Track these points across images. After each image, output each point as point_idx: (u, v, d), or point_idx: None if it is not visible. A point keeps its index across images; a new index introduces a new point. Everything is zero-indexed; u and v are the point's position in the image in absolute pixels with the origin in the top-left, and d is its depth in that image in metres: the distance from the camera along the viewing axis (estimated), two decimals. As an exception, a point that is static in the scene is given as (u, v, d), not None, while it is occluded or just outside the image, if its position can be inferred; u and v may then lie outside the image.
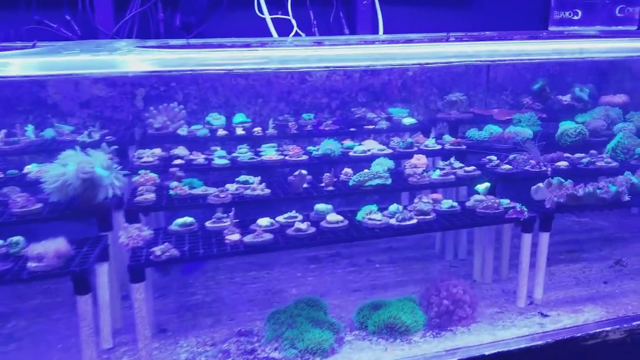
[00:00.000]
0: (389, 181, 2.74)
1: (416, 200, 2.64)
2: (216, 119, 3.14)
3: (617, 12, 4.01)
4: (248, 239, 2.12)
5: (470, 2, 4.13)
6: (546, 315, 2.56)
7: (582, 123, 3.34)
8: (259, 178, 2.51)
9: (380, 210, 2.56)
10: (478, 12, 4.13)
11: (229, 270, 2.85)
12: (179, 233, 2.22)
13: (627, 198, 2.64)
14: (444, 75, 4.02)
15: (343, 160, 3.05)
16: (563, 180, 2.69)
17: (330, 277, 2.90)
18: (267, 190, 2.49)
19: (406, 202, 3.41)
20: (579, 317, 2.56)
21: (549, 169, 2.93)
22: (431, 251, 3.29)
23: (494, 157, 3.12)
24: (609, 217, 3.63)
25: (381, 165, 2.87)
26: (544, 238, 2.58)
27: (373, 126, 3.49)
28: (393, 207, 2.53)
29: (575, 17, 4.11)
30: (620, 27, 3.95)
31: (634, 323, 2.53)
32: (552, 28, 4.06)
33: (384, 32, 3.94)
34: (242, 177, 2.52)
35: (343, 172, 2.88)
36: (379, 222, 2.41)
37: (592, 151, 3.13)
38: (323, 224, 2.33)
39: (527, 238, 2.55)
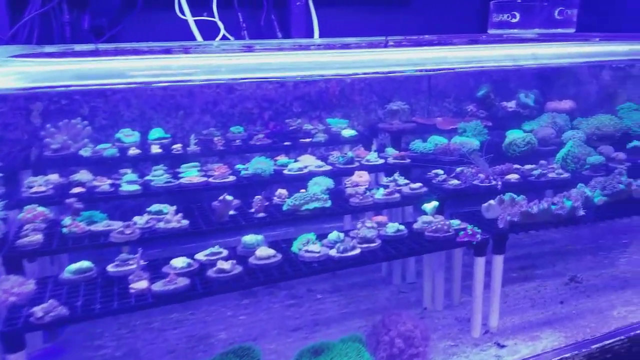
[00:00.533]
0: (329, 203, 2.44)
1: (359, 224, 2.34)
2: (128, 136, 2.73)
3: (556, 14, 3.88)
4: (158, 286, 1.75)
5: (408, 4, 3.91)
6: (503, 346, 2.33)
7: (530, 131, 3.17)
8: (174, 207, 2.13)
9: (320, 237, 2.24)
10: (416, 14, 3.91)
11: (146, 313, 2.45)
12: (73, 282, 1.82)
13: (582, 213, 2.45)
14: (384, 82, 3.77)
15: (276, 180, 2.72)
16: (515, 196, 2.47)
17: (266, 314, 2.55)
18: (185, 222, 2.12)
19: (349, 223, 3.12)
20: (536, 345, 2.35)
21: (499, 183, 2.71)
22: (378, 275, 3.00)
23: (440, 171, 2.88)
24: (560, 229, 3.47)
25: (319, 185, 2.56)
26: (498, 261, 2.34)
27: (310, 139, 3.18)
28: (333, 235, 2.22)
29: (514, 20, 3.94)
30: (559, 30, 3.82)
31: (593, 347, 2.35)
32: (491, 31, 3.89)
33: (320, 36, 3.65)
34: (155, 207, 2.14)
35: (277, 193, 2.55)
36: (317, 255, 2.09)
37: (542, 161, 2.95)
38: (252, 260, 1.99)
39: (480, 262, 2.31)
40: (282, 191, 2.57)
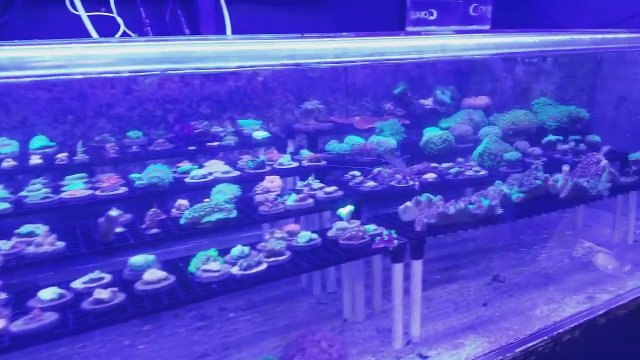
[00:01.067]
0: (234, 213, 2.21)
1: (267, 235, 2.13)
2: (4, 146, 2.38)
3: (470, 11, 3.84)
4: (17, 325, 1.46)
5: (325, 2, 3.74)
6: (426, 357, 2.19)
7: (446, 129, 3.08)
8: (47, 228, 1.83)
9: (223, 253, 2.01)
10: (333, 13, 3.74)
11: (26, 351, 2.11)
12: None
13: (500, 211, 2.36)
14: (298, 80, 3.58)
15: (177, 190, 2.46)
16: (432, 196, 2.34)
17: (170, 341, 2.29)
18: (60, 244, 1.82)
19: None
20: (460, 353, 2.23)
21: (417, 183, 2.58)
22: (297, 286, 2.80)
23: (357, 173, 2.72)
24: (481, 226, 3.43)
25: (223, 194, 2.33)
26: (417, 267, 2.20)
27: (218, 142, 2.94)
28: (236, 250, 1.99)
29: (431, 17, 3.88)
30: (475, 27, 3.80)
31: (517, 350, 2.26)
32: (409, 28, 3.81)
33: (233, 33, 3.41)
34: (25, 228, 1.83)
35: (176, 205, 2.30)
36: (217, 274, 1.86)
37: (460, 159, 2.86)
38: (138, 285, 1.73)
39: (398, 269, 2.16)
40: (182, 202, 2.32)
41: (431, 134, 2.94)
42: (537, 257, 3.08)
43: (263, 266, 1.92)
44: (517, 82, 3.43)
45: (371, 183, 2.57)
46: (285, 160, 2.74)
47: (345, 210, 2.31)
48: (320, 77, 3.61)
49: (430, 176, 2.65)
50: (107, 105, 2.94)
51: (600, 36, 2.42)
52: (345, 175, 2.74)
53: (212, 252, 2.01)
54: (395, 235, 2.14)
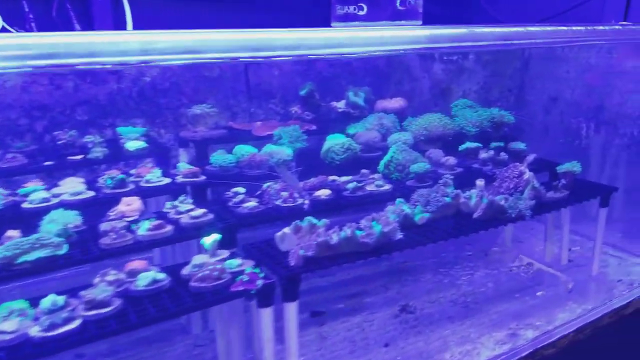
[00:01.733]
0: (63, 249, 1.77)
1: (97, 279, 1.70)
2: None
3: (398, 4, 3.46)
4: None
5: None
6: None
7: (352, 135, 2.70)
8: None
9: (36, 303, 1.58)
10: (254, 8, 3.32)
11: None
12: None
13: (399, 236, 1.98)
14: (194, 80, 3.14)
15: (10, 218, 2.00)
16: (315, 220, 1.95)
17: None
18: None
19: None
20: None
21: (306, 202, 2.19)
22: (177, 323, 2.37)
23: (241, 190, 2.31)
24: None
25: (56, 223, 1.88)
26: (290, 311, 1.80)
27: (82, 156, 2.48)
28: (47, 302, 1.56)
29: (361, 12, 3.47)
30: (404, 22, 3.42)
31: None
32: (335, 24, 3.42)
33: (135, 28, 2.95)
34: None
35: (5, 236, 1.84)
36: (9, 337, 1.42)
37: (364, 171, 2.49)
38: None
39: (265, 316, 1.76)
40: (11, 234, 1.87)
41: (332, 142, 2.56)
42: (457, 279, 2.73)
43: (75, 323, 1.49)
44: (435, 82, 3.08)
45: (252, 203, 2.16)
46: (154, 177, 2.30)
47: (209, 239, 1.90)
48: (220, 77, 3.18)
49: (323, 193, 2.27)
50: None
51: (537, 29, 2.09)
52: (227, 193, 2.33)
53: (19, 303, 1.57)
54: (260, 274, 1.74)
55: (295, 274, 1.78)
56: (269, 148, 2.55)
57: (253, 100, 3.28)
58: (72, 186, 2.23)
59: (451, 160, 2.52)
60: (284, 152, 2.52)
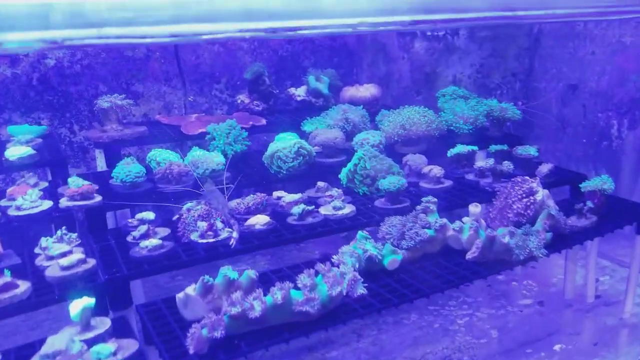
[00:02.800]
0: None
1: None
2: None
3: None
4: None
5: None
6: None
7: (308, 134, 2.06)
8: None
9: None
10: None
11: None
12: None
13: (360, 291, 1.36)
14: (113, 62, 2.48)
15: None
16: (234, 274, 1.32)
17: None
18: None
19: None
20: None
21: (235, 236, 1.56)
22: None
23: (150, 216, 1.68)
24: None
25: None
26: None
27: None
28: None
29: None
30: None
31: None
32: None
33: None
34: None
35: None
36: None
37: (320, 184, 1.87)
38: None
39: None
40: None
41: (280, 144, 1.92)
42: (450, 323, 2.09)
43: None
44: (417, 64, 2.41)
45: (153, 241, 1.53)
46: (27, 201, 1.65)
47: (76, 307, 1.27)
48: (147, 58, 2.52)
49: (260, 221, 1.63)
50: None
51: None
52: (130, 222, 1.69)
53: None
54: (133, 373, 1.11)
55: (193, 371, 1.15)
56: (194, 153, 1.91)
57: (193, 86, 2.63)
58: None
59: (436, 170, 1.89)
60: (213, 159, 1.87)
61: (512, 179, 1.78)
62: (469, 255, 1.56)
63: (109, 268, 1.46)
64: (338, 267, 1.41)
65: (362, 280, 1.40)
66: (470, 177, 1.99)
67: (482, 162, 1.96)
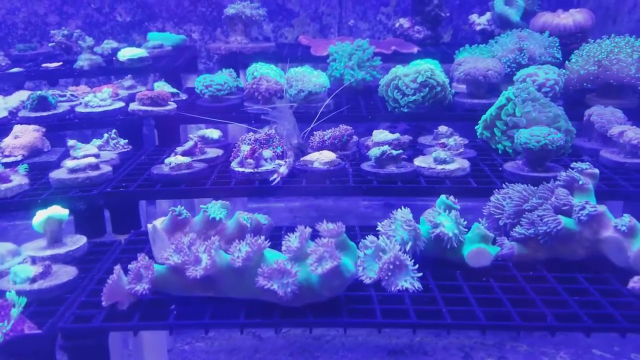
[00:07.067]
0: None
1: None
2: None
3: None
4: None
5: None
6: None
7: (460, 63, 1.45)
8: None
9: None
10: None
11: None
12: None
13: (400, 284, 0.83)
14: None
15: None
16: (219, 213, 0.91)
17: None
18: None
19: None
20: None
21: (282, 171, 1.14)
22: None
23: (215, 134, 1.36)
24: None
25: None
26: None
27: (60, 63, 1.83)
28: None
29: None
30: None
31: None
32: None
33: None
34: None
35: None
36: None
37: (442, 128, 1.28)
38: None
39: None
40: None
41: (403, 69, 1.38)
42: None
43: None
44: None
45: (181, 158, 1.19)
46: (98, 99, 1.47)
47: (40, 216, 1.02)
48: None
49: (322, 158, 1.16)
50: None
51: None
52: (190, 136, 1.39)
53: None
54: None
55: (86, 332, 0.79)
56: (292, 70, 1.49)
57: (356, 8, 2.19)
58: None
59: (631, 133, 1.12)
60: (311, 80, 1.43)
61: None
62: (633, 284, 0.84)
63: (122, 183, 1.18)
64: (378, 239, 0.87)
65: (416, 268, 0.84)
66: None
67: None
